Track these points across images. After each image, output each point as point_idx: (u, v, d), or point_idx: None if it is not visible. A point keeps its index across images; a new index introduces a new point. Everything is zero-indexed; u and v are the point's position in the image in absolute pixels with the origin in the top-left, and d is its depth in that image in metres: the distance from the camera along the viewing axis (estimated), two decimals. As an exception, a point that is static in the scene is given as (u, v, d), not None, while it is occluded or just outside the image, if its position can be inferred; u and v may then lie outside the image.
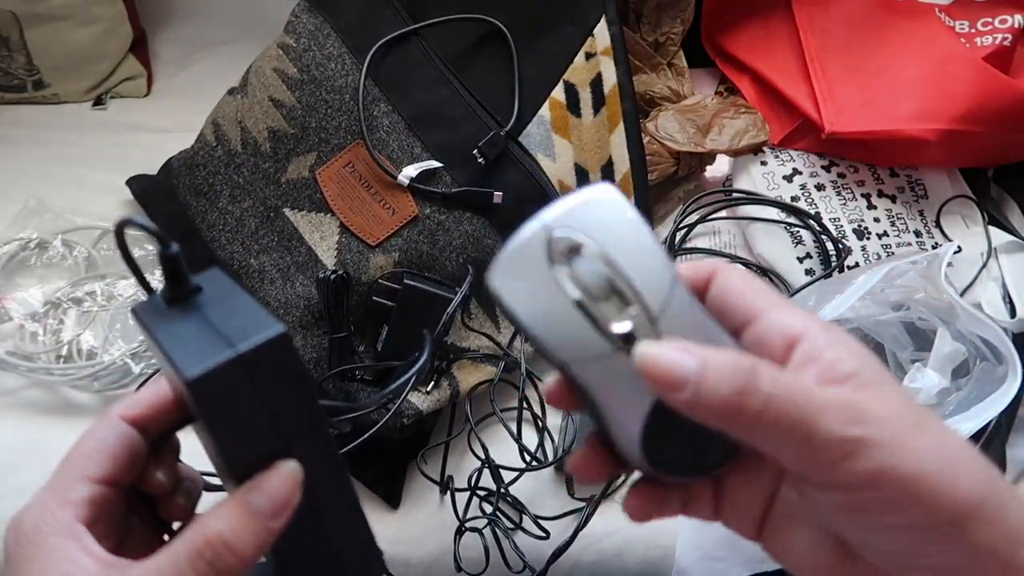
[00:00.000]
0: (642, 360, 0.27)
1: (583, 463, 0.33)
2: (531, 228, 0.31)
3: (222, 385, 0.29)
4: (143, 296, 0.33)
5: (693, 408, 0.27)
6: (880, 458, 0.26)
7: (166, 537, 0.37)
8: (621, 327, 0.29)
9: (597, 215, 0.30)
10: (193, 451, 0.36)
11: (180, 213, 0.79)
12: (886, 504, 0.27)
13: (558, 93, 0.77)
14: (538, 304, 0.30)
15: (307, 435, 0.32)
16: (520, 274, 0.30)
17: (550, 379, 0.33)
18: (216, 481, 0.38)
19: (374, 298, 0.71)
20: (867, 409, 0.27)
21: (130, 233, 0.31)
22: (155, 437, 0.35)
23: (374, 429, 0.63)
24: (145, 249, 0.80)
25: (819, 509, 0.29)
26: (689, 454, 0.31)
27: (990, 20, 0.88)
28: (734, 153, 0.85)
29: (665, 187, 0.87)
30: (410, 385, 0.62)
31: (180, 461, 0.37)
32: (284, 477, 0.31)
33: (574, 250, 0.30)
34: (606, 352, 0.29)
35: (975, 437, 0.64)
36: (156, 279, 0.32)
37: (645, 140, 0.81)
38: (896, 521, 0.27)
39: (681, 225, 0.82)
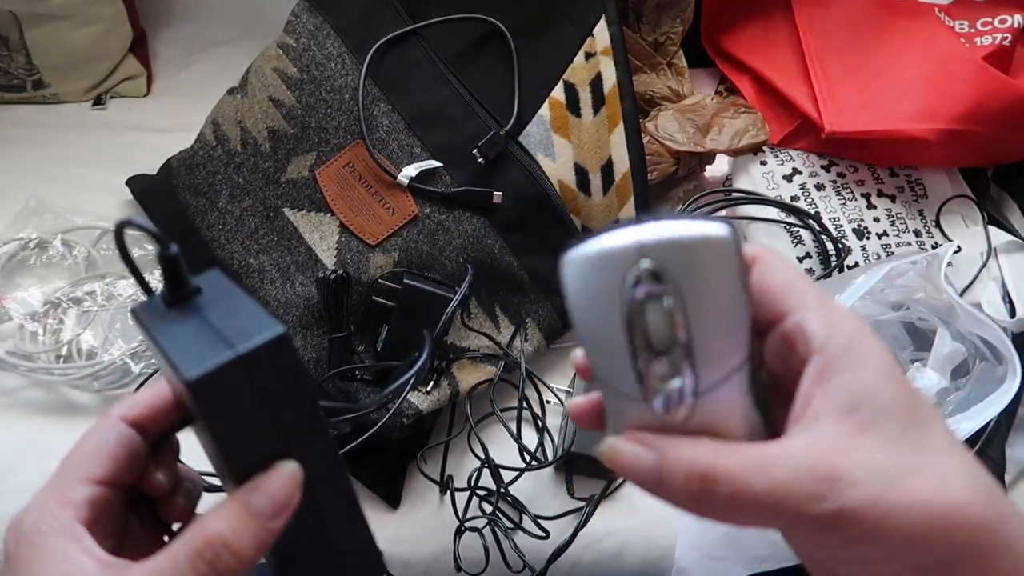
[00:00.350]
0: (606, 454, 0.29)
1: (586, 407, 0.32)
2: (626, 240, 0.28)
3: (222, 386, 0.29)
4: (143, 296, 0.33)
5: (659, 496, 0.28)
6: (861, 523, 0.26)
7: (166, 538, 0.37)
8: (658, 387, 0.28)
9: (698, 260, 0.28)
10: (192, 452, 0.36)
11: (180, 213, 0.79)
12: (880, 555, 0.27)
13: (558, 93, 0.77)
14: (598, 318, 0.29)
15: (307, 435, 0.32)
16: (595, 281, 0.29)
17: (580, 398, 0.33)
18: (215, 481, 0.38)
19: (374, 298, 0.71)
20: (842, 474, 0.26)
21: (130, 233, 0.31)
22: (155, 438, 0.35)
23: (374, 429, 0.63)
24: (145, 249, 0.80)
25: (818, 562, 0.30)
26: None
27: (990, 20, 0.88)
28: (734, 153, 0.85)
29: (665, 187, 0.87)
30: (409, 385, 0.62)
31: (180, 462, 0.37)
32: (284, 478, 0.31)
33: (655, 295, 0.28)
34: (634, 395, 0.29)
35: (975, 437, 0.64)
36: (156, 279, 0.32)
37: (645, 140, 0.81)
38: (892, 568, 0.27)
39: (681, 225, 0.82)
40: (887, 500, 0.26)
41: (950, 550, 0.26)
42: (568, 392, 0.74)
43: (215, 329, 0.30)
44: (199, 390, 0.29)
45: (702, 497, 0.27)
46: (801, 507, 0.26)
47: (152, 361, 0.73)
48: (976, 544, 0.26)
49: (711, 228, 0.28)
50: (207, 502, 0.38)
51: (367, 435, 0.62)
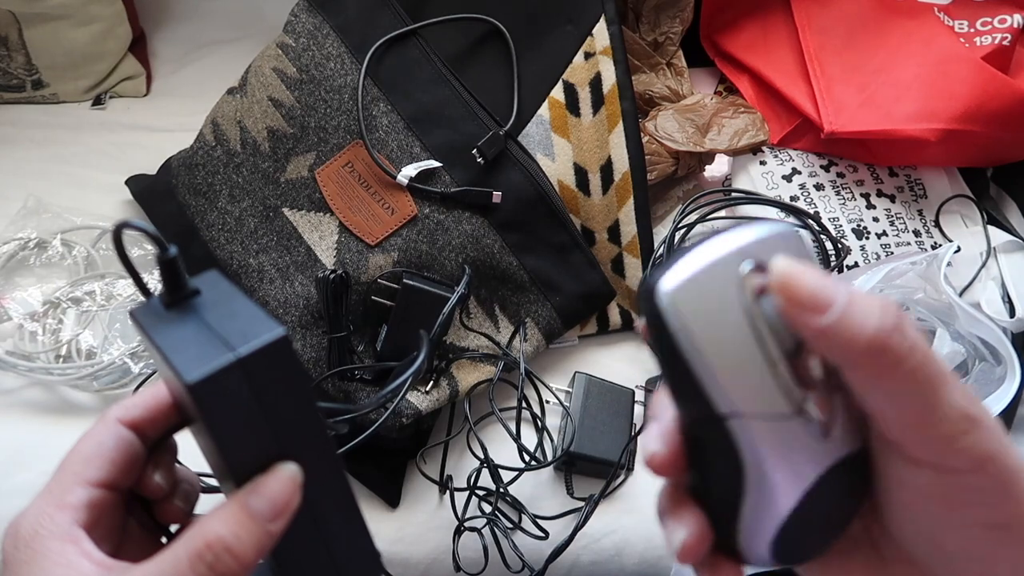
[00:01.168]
0: (783, 272, 0.25)
1: (670, 455, 0.28)
2: (723, 250, 0.26)
3: (222, 388, 0.29)
4: (142, 297, 0.33)
5: (832, 337, 0.24)
6: (990, 444, 0.25)
7: (163, 539, 0.37)
8: (806, 378, 0.26)
9: (792, 249, 0.27)
10: (190, 453, 0.36)
11: (179, 213, 0.79)
12: (981, 495, 0.26)
13: (557, 92, 0.77)
14: (723, 339, 0.25)
15: (306, 437, 0.32)
16: (706, 299, 0.25)
17: (655, 438, 0.28)
18: (213, 482, 0.38)
19: (373, 298, 0.71)
20: (978, 403, 0.26)
21: (129, 234, 0.31)
22: (153, 440, 0.35)
23: (372, 429, 0.63)
24: (144, 249, 0.80)
25: (903, 493, 0.28)
26: (809, 546, 0.29)
27: (989, 20, 0.88)
28: (733, 153, 0.85)
29: (664, 187, 0.87)
30: (407, 386, 0.62)
31: (179, 463, 0.37)
32: (283, 480, 0.31)
33: (764, 289, 0.26)
34: (783, 413, 0.26)
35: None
36: (154, 279, 0.32)
37: (644, 140, 0.81)
38: (983, 516, 0.26)
39: (680, 225, 0.82)
40: (1011, 442, 0.26)
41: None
42: (567, 392, 0.74)
43: (214, 331, 0.30)
44: (199, 393, 0.29)
45: (891, 338, 0.24)
46: (956, 399, 0.25)
47: (151, 361, 0.73)
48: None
49: (779, 224, 0.27)
50: (204, 503, 0.38)
51: (365, 435, 0.62)
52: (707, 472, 0.28)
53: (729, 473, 0.27)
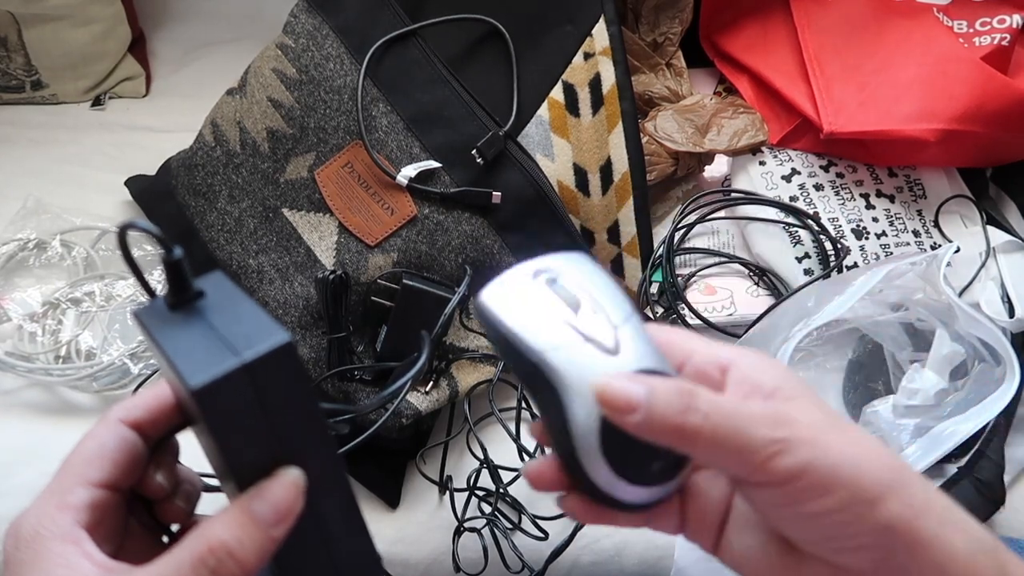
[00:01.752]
0: (599, 387, 0.31)
1: (542, 470, 0.34)
2: (515, 269, 0.35)
3: (227, 394, 0.29)
4: (142, 296, 0.33)
5: (644, 429, 0.30)
6: (802, 454, 0.30)
7: (165, 539, 0.37)
8: (589, 321, 0.33)
9: (570, 264, 0.35)
10: (191, 452, 0.36)
11: (178, 213, 0.79)
12: (811, 493, 0.30)
13: (557, 93, 0.77)
14: (521, 309, 0.33)
15: (309, 441, 0.32)
16: (507, 291, 0.34)
17: (536, 461, 0.35)
18: (214, 482, 0.38)
19: (373, 298, 0.71)
20: (789, 415, 0.31)
21: (130, 233, 0.31)
22: (155, 440, 0.35)
23: (372, 430, 0.63)
24: (144, 249, 0.80)
25: (758, 508, 0.32)
26: (644, 458, 0.33)
27: (988, 20, 0.88)
28: (733, 153, 0.85)
29: (664, 187, 0.87)
30: (407, 387, 0.62)
31: (180, 463, 0.37)
32: (286, 484, 0.31)
33: (552, 280, 0.34)
34: (574, 339, 0.32)
35: (974, 437, 0.64)
36: (156, 279, 0.32)
37: (644, 140, 0.81)
38: (820, 507, 0.30)
39: (680, 225, 0.82)
40: (829, 439, 0.30)
41: (867, 491, 0.30)
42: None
43: (219, 335, 0.30)
44: (204, 398, 0.29)
45: (685, 418, 0.30)
46: (759, 433, 0.30)
47: (151, 361, 0.73)
48: (890, 484, 0.30)
49: (566, 254, 0.35)
50: (207, 502, 0.38)
51: (365, 436, 0.62)
52: (546, 417, 0.34)
53: (556, 405, 0.32)
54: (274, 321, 0.31)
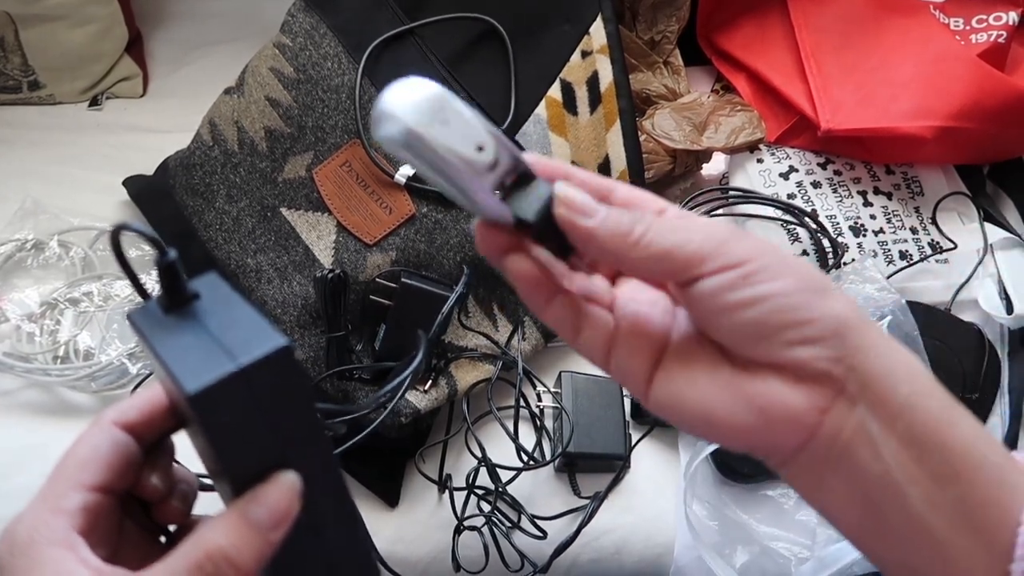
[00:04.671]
0: (564, 193, 0.32)
1: (487, 232, 0.34)
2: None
3: (223, 399, 0.29)
4: (140, 298, 0.33)
5: (592, 234, 0.32)
6: (749, 242, 0.31)
7: (162, 539, 0.36)
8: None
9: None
10: (188, 452, 0.36)
11: (177, 213, 0.79)
12: (762, 275, 0.31)
13: (554, 91, 0.77)
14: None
15: (305, 446, 0.32)
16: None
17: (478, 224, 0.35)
18: (211, 480, 0.38)
19: (371, 297, 0.71)
20: (729, 233, 0.32)
21: (125, 234, 0.31)
22: (149, 442, 0.35)
23: (368, 429, 0.62)
24: (142, 249, 0.80)
25: (702, 307, 0.32)
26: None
27: (985, 17, 0.89)
28: (730, 151, 0.85)
29: (662, 185, 0.87)
30: (405, 386, 0.62)
31: (177, 462, 0.37)
32: (283, 488, 0.31)
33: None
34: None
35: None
36: (151, 279, 0.32)
37: (642, 138, 0.81)
38: (770, 289, 0.31)
39: (678, 223, 0.82)
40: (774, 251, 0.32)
41: (821, 279, 0.32)
42: (556, 393, 0.74)
43: (215, 339, 0.30)
44: (200, 403, 0.28)
45: (632, 231, 0.31)
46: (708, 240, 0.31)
47: (149, 362, 0.73)
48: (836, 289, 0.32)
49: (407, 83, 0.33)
50: (204, 501, 0.38)
51: (363, 434, 0.62)
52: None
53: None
54: (271, 325, 0.30)
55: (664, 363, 0.34)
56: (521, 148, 0.72)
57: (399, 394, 0.63)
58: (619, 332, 0.34)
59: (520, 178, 0.33)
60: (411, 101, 0.31)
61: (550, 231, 0.33)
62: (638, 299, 0.35)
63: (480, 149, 0.32)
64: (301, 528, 0.32)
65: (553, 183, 0.33)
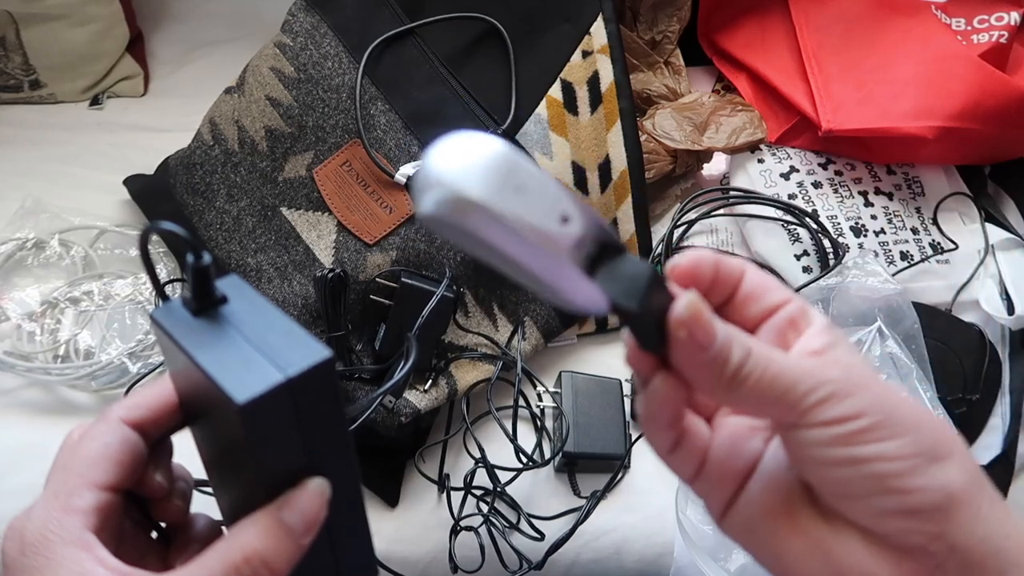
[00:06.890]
0: (692, 316, 0.28)
1: (642, 357, 0.31)
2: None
3: (269, 409, 0.29)
4: (141, 296, 0.33)
5: (697, 362, 0.28)
6: (865, 396, 0.28)
7: (154, 534, 0.36)
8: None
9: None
10: (187, 452, 0.36)
11: (177, 212, 0.79)
12: (871, 433, 0.28)
13: (555, 91, 0.77)
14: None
15: (336, 454, 0.32)
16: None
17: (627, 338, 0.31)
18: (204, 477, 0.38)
19: (371, 296, 0.71)
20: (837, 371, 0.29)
21: (127, 233, 0.31)
22: (154, 440, 0.35)
23: (357, 423, 0.61)
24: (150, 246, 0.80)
25: (800, 453, 0.29)
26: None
27: (986, 17, 0.89)
28: (731, 151, 0.85)
29: (663, 185, 0.87)
30: (392, 388, 0.62)
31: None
32: (314, 495, 0.31)
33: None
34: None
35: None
36: (161, 276, 0.32)
37: (642, 138, 0.81)
38: (877, 451, 0.28)
39: (679, 223, 0.82)
40: (883, 387, 0.29)
41: (933, 440, 0.28)
42: (556, 393, 0.74)
43: (255, 346, 0.30)
44: (248, 414, 0.28)
45: (741, 368, 0.28)
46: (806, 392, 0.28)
47: (150, 360, 0.73)
48: (958, 444, 0.29)
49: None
50: (199, 501, 0.38)
51: (351, 427, 0.62)
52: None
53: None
54: (308, 333, 0.30)
55: (748, 488, 0.31)
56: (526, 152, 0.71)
57: (379, 400, 0.63)
58: (712, 454, 0.32)
59: (603, 249, 0.27)
60: (472, 164, 0.23)
61: (649, 324, 0.28)
62: (737, 421, 0.33)
63: (565, 220, 0.25)
64: (319, 534, 0.32)
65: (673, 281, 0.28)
